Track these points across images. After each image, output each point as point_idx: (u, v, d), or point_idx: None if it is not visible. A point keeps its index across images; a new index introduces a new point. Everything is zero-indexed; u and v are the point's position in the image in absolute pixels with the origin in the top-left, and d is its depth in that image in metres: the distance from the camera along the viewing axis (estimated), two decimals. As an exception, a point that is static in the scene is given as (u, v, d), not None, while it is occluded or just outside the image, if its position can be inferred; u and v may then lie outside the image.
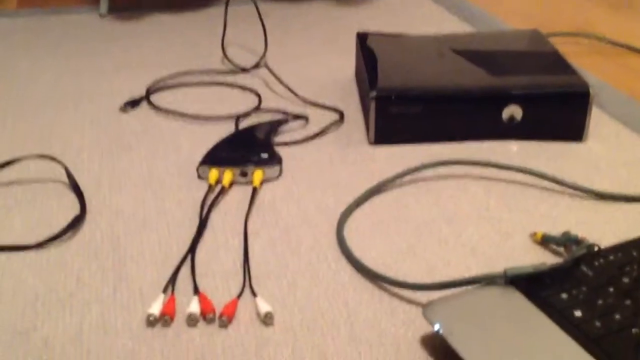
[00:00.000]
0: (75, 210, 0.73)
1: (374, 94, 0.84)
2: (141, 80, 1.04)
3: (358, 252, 0.66)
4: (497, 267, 0.64)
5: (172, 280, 0.62)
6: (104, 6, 1.32)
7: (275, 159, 0.79)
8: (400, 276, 0.63)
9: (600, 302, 0.54)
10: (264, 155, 0.79)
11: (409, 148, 0.85)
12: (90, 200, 0.75)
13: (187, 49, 1.16)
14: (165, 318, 0.58)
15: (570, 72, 0.88)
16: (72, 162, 0.82)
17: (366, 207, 0.74)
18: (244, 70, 1.07)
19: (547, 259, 0.65)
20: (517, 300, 0.55)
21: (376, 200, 0.75)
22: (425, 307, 0.55)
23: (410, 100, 0.84)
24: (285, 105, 0.96)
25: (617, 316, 0.53)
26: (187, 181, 0.78)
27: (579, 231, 0.69)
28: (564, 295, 0.55)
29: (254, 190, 0.75)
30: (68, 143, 0.86)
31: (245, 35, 1.22)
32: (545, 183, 0.78)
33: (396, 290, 0.62)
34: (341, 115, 0.92)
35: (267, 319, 0.58)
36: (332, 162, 0.82)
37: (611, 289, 0.55)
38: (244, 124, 0.90)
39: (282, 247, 0.67)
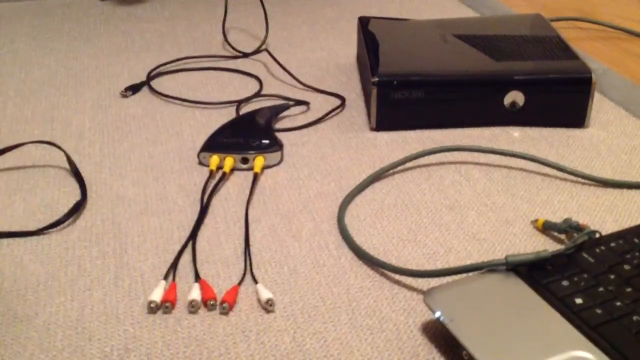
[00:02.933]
0: (76, 196, 0.73)
1: (375, 79, 0.83)
2: (142, 65, 1.03)
3: (359, 239, 0.66)
4: (498, 254, 0.64)
5: (173, 266, 0.63)
6: (104, -10, 1.32)
7: (276, 145, 0.79)
8: (402, 263, 0.63)
9: (601, 289, 0.54)
10: (265, 141, 0.79)
11: (410, 134, 0.85)
12: (91, 185, 0.74)
13: (188, 34, 1.16)
14: (167, 305, 0.58)
15: (572, 57, 0.88)
16: (73, 147, 0.82)
17: (367, 193, 0.74)
18: (245, 55, 1.06)
19: (549, 246, 0.65)
20: (518, 287, 0.55)
21: (377, 186, 0.75)
22: (426, 294, 0.55)
23: (411, 85, 0.84)
24: (287, 90, 0.95)
25: (618, 303, 0.53)
26: (188, 167, 0.78)
27: (580, 218, 0.69)
28: (565, 282, 0.55)
29: (255, 176, 0.75)
30: (69, 128, 0.86)
31: (246, 20, 1.22)
32: (547, 170, 0.77)
33: (397, 277, 0.62)
34: (343, 101, 0.92)
35: (268, 306, 0.58)
36: (333, 148, 0.82)
37: (612, 276, 0.55)
38: (245, 109, 0.90)
39: (283, 234, 0.67)
